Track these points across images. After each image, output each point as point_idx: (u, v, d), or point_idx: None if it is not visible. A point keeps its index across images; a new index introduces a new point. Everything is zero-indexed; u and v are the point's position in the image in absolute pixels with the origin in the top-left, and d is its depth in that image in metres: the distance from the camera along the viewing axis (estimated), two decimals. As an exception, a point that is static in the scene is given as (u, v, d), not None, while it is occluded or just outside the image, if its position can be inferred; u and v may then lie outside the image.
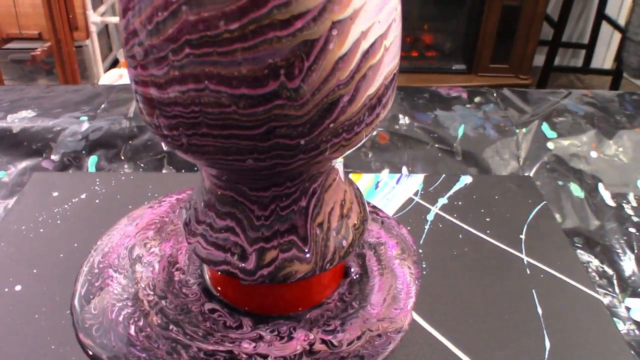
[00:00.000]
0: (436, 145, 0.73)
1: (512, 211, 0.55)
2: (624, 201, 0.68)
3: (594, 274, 0.57)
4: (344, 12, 0.26)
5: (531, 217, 0.55)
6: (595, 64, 2.77)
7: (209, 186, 0.36)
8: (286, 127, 0.28)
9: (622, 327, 0.51)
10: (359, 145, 0.33)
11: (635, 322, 0.52)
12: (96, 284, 0.44)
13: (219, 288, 0.43)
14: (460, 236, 0.52)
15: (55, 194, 0.55)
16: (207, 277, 0.44)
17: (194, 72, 0.27)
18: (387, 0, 0.29)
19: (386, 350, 0.39)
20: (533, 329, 0.44)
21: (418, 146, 0.72)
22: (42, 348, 0.40)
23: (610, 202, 0.68)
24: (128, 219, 0.50)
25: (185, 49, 0.26)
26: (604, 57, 2.79)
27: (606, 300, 0.54)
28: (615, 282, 0.57)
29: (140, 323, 0.40)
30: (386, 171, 0.69)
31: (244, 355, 0.38)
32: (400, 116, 0.76)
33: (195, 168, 0.67)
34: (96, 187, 0.56)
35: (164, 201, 0.52)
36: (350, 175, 0.60)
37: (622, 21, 2.59)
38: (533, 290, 0.47)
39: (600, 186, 0.70)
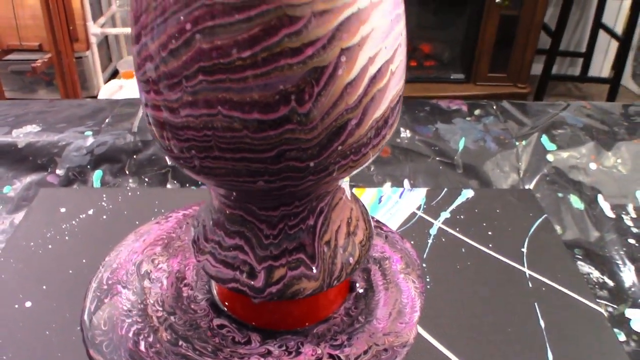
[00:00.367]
0: (437, 158, 0.73)
1: (514, 224, 0.56)
2: (623, 212, 0.69)
3: (594, 285, 0.58)
4: (352, 39, 0.27)
5: (532, 230, 0.56)
6: (593, 72, 2.79)
7: (218, 205, 0.37)
8: (296, 150, 0.29)
9: (623, 338, 0.51)
10: (365, 165, 0.33)
11: (636, 333, 0.52)
12: (105, 300, 0.44)
13: (226, 303, 0.44)
14: (463, 250, 0.52)
15: (63, 209, 0.56)
16: (215, 292, 0.45)
17: (207, 98, 0.28)
18: (394, 25, 0.30)
19: (392, 364, 0.40)
20: (536, 342, 0.44)
21: (419, 159, 0.73)
22: (53, 364, 0.41)
23: (610, 214, 0.69)
24: (135, 234, 0.51)
25: (198, 75, 0.27)
26: (602, 65, 2.80)
27: (607, 311, 0.55)
28: (615, 293, 0.58)
29: (150, 339, 0.41)
30: (389, 185, 0.70)
31: (253, 371, 0.38)
32: (402, 129, 0.77)
33: (200, 183, 0.68)
34: (103, 203, 0.56)
35: (171, 217, 0.53)
36: (354, 190, 0.61)
37: (619, 30, 2.61)
38: (535, 304, 0.48)
39: (600, 197, 0.71)
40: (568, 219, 0.67)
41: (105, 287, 0.46)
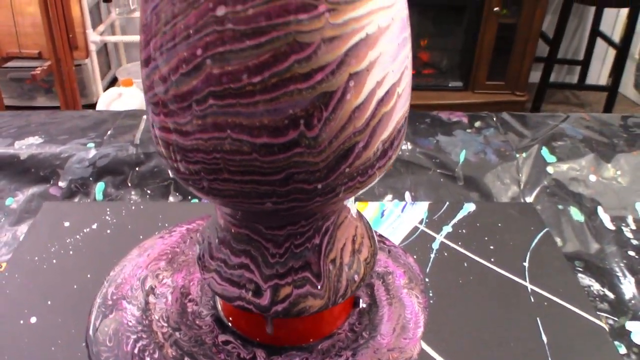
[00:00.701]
0: (438, 171, 0.74)
1: (515, 238, 0.56)
2: (623, 224, 0.69)
3: (595, 297, 0.58)
4: (361, 64, 0.28)
5: (534, 244, 0.56)
6: (591, 80, 2.80)
7: (224, 224, 0.37)
8: (304, 172, 0.29)
9: (623, 351, 0.52)
10: (371, 185, 0.34)
11: (636, 346, 0.52)
12: (110, 316, 0.45)
13: (230, 319, 0.44)
14: (466, 264, 0.53)
15: (67, 224, 0.56)
16: (219, 308, 0.45)
17: (217, 122, 0.28)
18: (401, 49, 0.30)
19: (397, 381, 0.40)
20: (538, 357, 0.45)
21: (420, 172, 0.73)
22: (59, 381, 0.41)
23: (610, 226, 0.69)
24: (139, 249, 0.51)
25: (208, 99, 0.28)
26: (599, 73, 2.82)
27: (607, 324, 0.55)
28: (615, 305, 0.58)
29: (156, 355, 0.41)
30: (390, 197, 0.70)
31: (259, 388, 0.39)
32: (403, 142, 0.77)
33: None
34: (107, 217, 0.57)
35: (174, 231, 0.53)
36: (356, 204, 0.61)
37: (616, 38, 2.62)
38: (538, 319, 0.48)
39: (600, 209, 0.71)
40: (568, 231, 0.68)
41: (110, 302, 0.46)
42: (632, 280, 0.61)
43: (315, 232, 0.36)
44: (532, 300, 0.50)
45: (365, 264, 0.39)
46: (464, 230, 0.57)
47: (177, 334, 0.43)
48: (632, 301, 0.58)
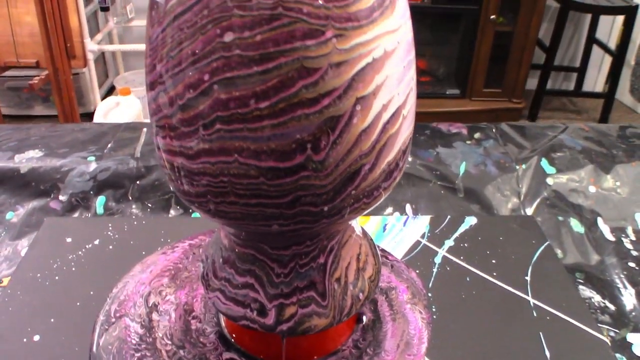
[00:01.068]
0: (439, 183, 0.74)
1: (517, 252, 0.57)
2: (623, 235, 0.70)
3: (596, 310, 0.58)
4: (367, 88, 0.28)
5: (535, 258, 0.56)
6: (587, 86, 2.81)
7: (229, 244, 0.37)
8: (311, 195, 0.29)
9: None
10: (376, 205, 0.34)
11: (638, 358, 0.53)
12: (114, 334, 0.44)
13: (234, 335, 0.44)
14: (468, 279, 0.53)
15: (69, 239, 0.56)
16: (223, 325, 0.45)
17: (224, 146, 0.28)
18: (406, 71, 0.30)
19: (402, 399, 0.40)
20: (542, 372, 0.45)
21: (421, 184, 0.74)
22: (63, 400, 0.41)
23: (610, 237, 0.69)
24: (142, 265, 0.51)
25: (216, 124, 0.28)
26: (596, 79, 2.83)
27: (608, 336, 0.55)
28: (617, 317, 0.58)
29: (160, 374, 0.41)
30: (390, 210, 0.70)
31: (264, 407, 0.39)
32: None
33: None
34: (109, 233, 0.57)
35: (177, 247, 0.53)
36: (358, 218, 0.61)
37: (612, 44, 2.63)
38: (540, 333, 0.48)
39: (600, 220, 0.71)
40: (568, 242, 0.68)
41: (113, 320, 0.46)
42: (633, 291, 0.61)
43: (320, 251, 0.36)
44: (535, 314, 0.50)
45: (369, 282, 0.39)
46: (465, 244, 0.57)
47: (181, 351, 0.43)
48: (633, 313, 0.59)
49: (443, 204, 0.72)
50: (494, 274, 0.54)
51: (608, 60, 2.72)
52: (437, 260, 0.55)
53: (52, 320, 0.47)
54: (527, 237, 0.59)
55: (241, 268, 0.37)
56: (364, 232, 0.42)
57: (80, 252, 0.54)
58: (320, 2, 0.26)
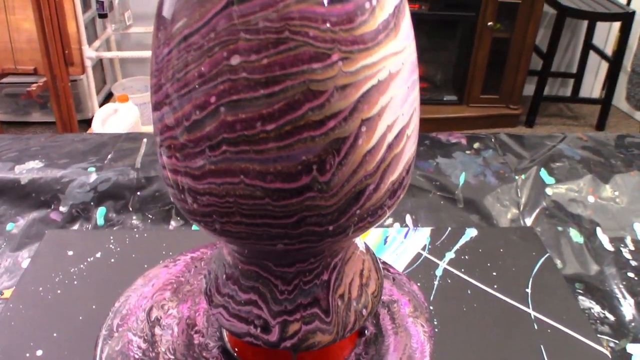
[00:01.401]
0: (438, 193, 0.74)
1: (517, 264, 0.57)
2: (622, 245, 0.70)
3: (595, 320, 0.58)
4: (372, 110, 0.28)
5: (536, 270, 0.56)
6: (584, 92, 2.82)
7: (232, 261, 0.38)
8: (316, 216, 0.29)
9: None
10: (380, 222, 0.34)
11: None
12: (116, 349, 0.44)
13: (237, 350, 0.44)
14: (469, 291, 0.53)
15: (70, 252, 0.56)
16: (226, 339, 0.45)
17: (230, 167, 0.28)
18: (410, 92, 0.30)
19: (405, 414, 0.40)
20: (544, 386, 0.45)
21: (421, 194, 0.74)
22: (66, 416, 0.41)
23: (609, 247, 0.69)
24: (144, 279, 0.51)
25: (222, 146, 0.28)
26: (592, 85, 2.84)
27: (608, 346, 0.55)
28: (616, 328, 0.58)
29: (163, 390, 0.41)
30: (390, 220, 0.70)
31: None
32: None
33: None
34: (110, 246, 0.57)
35: (179, 260, 0.53)
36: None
37: (609, 51, 2.65)
38: (541, 346, 0.48)
39: (599, 230, 0.72)
40: (568, 252, 0.68)
41: (116, 334, 0.46)
42: (632, 301, 0.61)
43: (324, 268, 0.36)
44: (536, 327, 0.50)
45: (372, 298, 0.40)
46: (466, 257, 0.57)
47: (184, 367, 0.43)
48: (633, 323, 0.59)
49: (443, 214, 0.72)
50: (495, 286, 0.54)
51: (605, 66, 2.73)
52: (438, 272, 0.55)
53: (55, 334, 0.47)
54: (527, 248, 0.59)
55: (245, 285, 0.37)
56: (367, 247, 0.42)
57: (82, 266, 0.54)
58: (327, 25, 0.26)
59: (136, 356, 0.44)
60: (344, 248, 0.37)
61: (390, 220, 0.70)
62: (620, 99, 2.71)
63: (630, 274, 0.65)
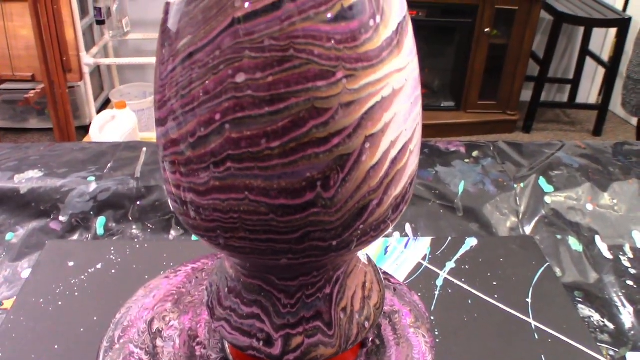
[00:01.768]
0: (438, 202, 0.74)
1: (517, 274, 0.57)
2: (621, 253, 0.70)
3: (595, 329, 0.59)
4: (376, 126, 0.28)
5: (536, 279, 0.57)
6: (581, 98, 2.83)
7: (235, 274, 0.38)
8: (320, 231, 0.30)
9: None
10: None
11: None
12: (118, 361, 0.44)
13: (238, 361, 0.44)
14: (470, 301, 0.53)
15: (71, 263, 0.56)
16: (228, 351, 0.45)
17: (235, 184, 0.28)
18: (413, 107, 0.31)
19: None
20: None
21: (420, 203, 0.74)
22: None
23: (608, 255, 0.70)
24: (145, 290, 0.51)
25: (227, 162, 0.28)
26: (589, 91, 2.85)
27: (608, 355, 0.55)
28: (616, 336, 0.59)
29: (166, 403, 0.41)
30: (389, 230, 0.71)
31: None
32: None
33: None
34: (111, 257, 0.57)
35: (180, 270, 0.53)
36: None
37: (605, 57, 2.66)
38: (542, 356, 0.48)
39: (597, 238, 0.72)
40: (567, 261, 0.68)
41: (117, 346, 0.46)
42: (631, 310, 0.62)
43: (327, 282, 0.36)
44: (536, 337, 0.50)
45: (375, 310, 0.40)
46: (467, 266, 0.57)
47: (186, 379, 0.43)
48: (632, 332, 0.59)
49: (442, 223, 0.72)
50: (495, 296, 0.54)
51: (601, 72, 2.74)
52: (439, 282, 0.55)
53: (56, 346, 0.47)
54: (527, 258, 0.59)
55: (247, 298, 0.37)
56: (369, 259, 0.42)
57: (82, 277, 0.54)
58: (331, 43, 0.26)
59: (138, 368, 0.44)
60: (346, 261, 0.37)
61: (389, 229, 0.70)
62: (617, 105, 2.72)
63: (629, 282, 0.66)
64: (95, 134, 1.85)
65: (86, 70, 2.13)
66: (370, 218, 0.31)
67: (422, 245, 0.60)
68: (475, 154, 0.83)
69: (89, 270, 0.55)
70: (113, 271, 0.55)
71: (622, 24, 2.37)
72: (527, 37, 2.38)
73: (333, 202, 0.29)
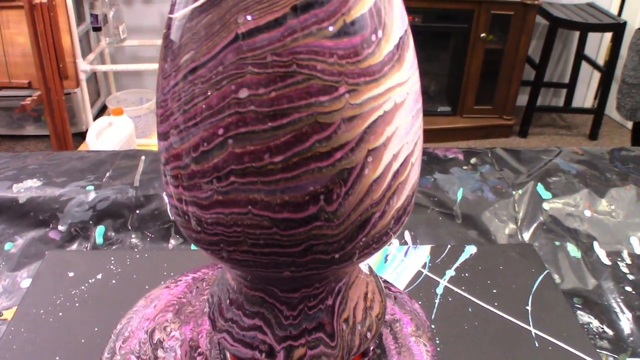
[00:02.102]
0: (436, 209, 0.75)
1: (517, 281, 0.57)
2: (619, 259, 0.70)
3: (594, 335, 0.59)
4: (378, 140, 0.28)
5: (535, 287, 0.57)
6: (576, 102, 2.84)
7: (236, 286, 0.38)
8: (323, 244, 0.30)
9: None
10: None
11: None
12: (120, 372, 0.44)
13: (240, 372, 0.44)
14: (470, 310, 0.53)
15: (71, 274, 0.56)
16: (229, 361, 0.45)
17: (238, 198, 0.29)
18: (415, 120, 0.31)
19: None
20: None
21: (419, 210, 0.74)
22: None
23: (606, 261, 0.70)
24: (145, 300, 0.51)
25: (230, 177, 0.28)
26: (585, 95, 2.86)
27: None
28: (615, 342, 0.59)
29: (168, 414, 0.41)
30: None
31: None
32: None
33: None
34: (111, 267, 0.57)
35: (180, 280, 0.53)
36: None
37: (600, 61, 2.67)
38: (543, 364, 0.49)
39: (596, 245, 0.72)
40: (565, 267, 0.68)
41: (118, 357, 0.46)
42: (630, 316, 0.62)
43: (329, 293, 0.36)
44: (537, 345, 0.50)
45: (377, 320, 0.40)
46: (466, 274, 0.58)
47: (188, 390, 0.43)
48: (631, 337, 0.59)
49: (441, 230, 0.73)
50: (495, 303, 0.54)
51: (597, 76, 2.75)
52: (439, 291, 0.55)
53: (57, 358, 0.47)
54: (527, 265, 0.60)
55: (249, 310, 0.37)
56: (370, 269, 0.42)
57: (83, 287, 0.54)
58: (334, 58, 0.26)
59: (139, 380, 0.44)
60: (348, 273, 0.37)
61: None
62: (612, 109, 2.72)
63: (628, 288, 0.66)
64: (92, 141, 1.84)
65: (82, 77, 2.13)
66: (373, 230, 0.31)
67: (422, 253, 0.61)
68: (473, 160, 0.83)
69: (89, 281, 0.55)
70: (113, 281, 0.55)
71: (617, 29, 2.38)
72: (523, 42, 2.39)
73: (336, 215, 0.29)
